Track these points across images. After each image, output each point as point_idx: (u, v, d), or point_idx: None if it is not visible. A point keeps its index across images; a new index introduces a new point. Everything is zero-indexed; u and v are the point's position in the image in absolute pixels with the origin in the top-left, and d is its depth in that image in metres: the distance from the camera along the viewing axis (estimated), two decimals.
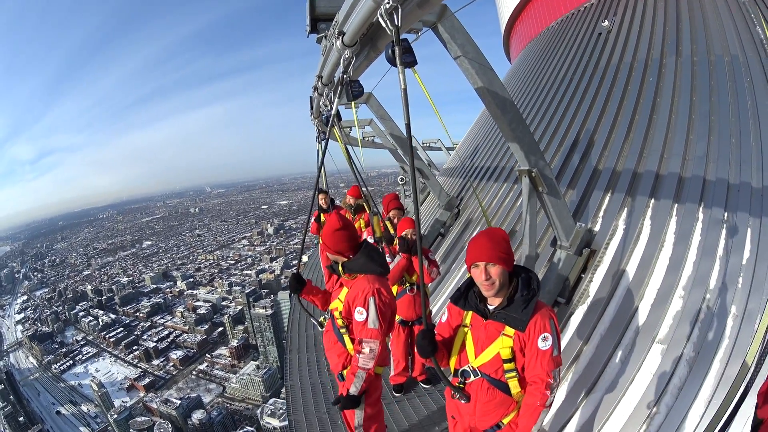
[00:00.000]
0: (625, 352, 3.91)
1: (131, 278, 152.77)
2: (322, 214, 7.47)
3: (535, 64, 11.28)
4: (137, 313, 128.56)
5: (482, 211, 7.05)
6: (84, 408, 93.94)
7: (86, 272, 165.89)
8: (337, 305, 3.13)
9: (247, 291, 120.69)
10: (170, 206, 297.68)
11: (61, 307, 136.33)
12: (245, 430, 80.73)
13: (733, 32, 6.44)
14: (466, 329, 2.49)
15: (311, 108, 6.76)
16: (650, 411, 3.47)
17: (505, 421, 2.46)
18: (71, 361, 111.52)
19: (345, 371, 3.19)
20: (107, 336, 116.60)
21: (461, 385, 2.49)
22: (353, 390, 3.02)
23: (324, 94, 4.94)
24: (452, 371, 2.57)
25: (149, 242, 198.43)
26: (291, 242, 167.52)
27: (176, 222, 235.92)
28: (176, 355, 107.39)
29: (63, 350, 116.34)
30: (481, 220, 7.66)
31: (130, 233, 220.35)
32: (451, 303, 2.56)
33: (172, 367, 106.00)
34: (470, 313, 2.48)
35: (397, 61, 2.35)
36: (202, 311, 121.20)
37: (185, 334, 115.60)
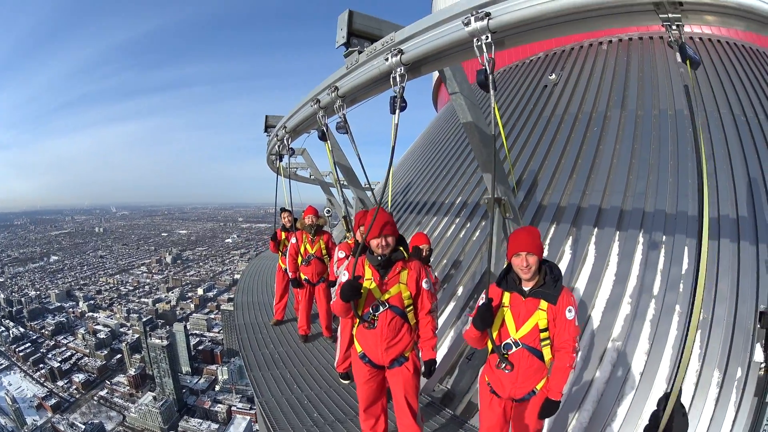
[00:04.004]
0: (585, 353, 4.56)
1: (39, 292, 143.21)
2: (284, 233, 7.43)
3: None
4: (43, 330, 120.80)
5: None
6: (2, 420, 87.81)
7: (0, 280, 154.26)
8: (400, 290, 3.41)
9: (144, 319, 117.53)
10: (78, 222, 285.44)
11: None
12: None
13: (681, 90, 7.22)
14: (504, 309, 3.02)
15: (282, 123, 6.61)
16: (619, 392, 4.17)
17: (538, 387, 3.03)
18: None
19: (412, 347, 3.58)
20: (17, 350, 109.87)
21: (506, 355, 3.01)
22: (435, 350, 3.52)
23: (330, 107, 4.74)
24: (492, 347, 3.08)
25: (56, 257, 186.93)
26: (188, 273, 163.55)
27: (81, 240, 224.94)
28: (78, 378, 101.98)
29: None
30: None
31: (39, 245, 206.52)
32: (494, 285, 3.10)
33: (75, 390, 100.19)
34: (508, 294, 3.02)
35: (490, 87, 2.94)
36: (102, 335, 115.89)
37: (86, 358, 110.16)
